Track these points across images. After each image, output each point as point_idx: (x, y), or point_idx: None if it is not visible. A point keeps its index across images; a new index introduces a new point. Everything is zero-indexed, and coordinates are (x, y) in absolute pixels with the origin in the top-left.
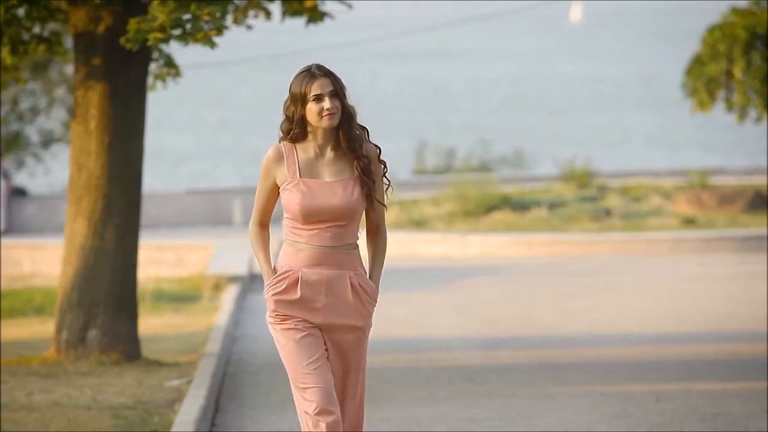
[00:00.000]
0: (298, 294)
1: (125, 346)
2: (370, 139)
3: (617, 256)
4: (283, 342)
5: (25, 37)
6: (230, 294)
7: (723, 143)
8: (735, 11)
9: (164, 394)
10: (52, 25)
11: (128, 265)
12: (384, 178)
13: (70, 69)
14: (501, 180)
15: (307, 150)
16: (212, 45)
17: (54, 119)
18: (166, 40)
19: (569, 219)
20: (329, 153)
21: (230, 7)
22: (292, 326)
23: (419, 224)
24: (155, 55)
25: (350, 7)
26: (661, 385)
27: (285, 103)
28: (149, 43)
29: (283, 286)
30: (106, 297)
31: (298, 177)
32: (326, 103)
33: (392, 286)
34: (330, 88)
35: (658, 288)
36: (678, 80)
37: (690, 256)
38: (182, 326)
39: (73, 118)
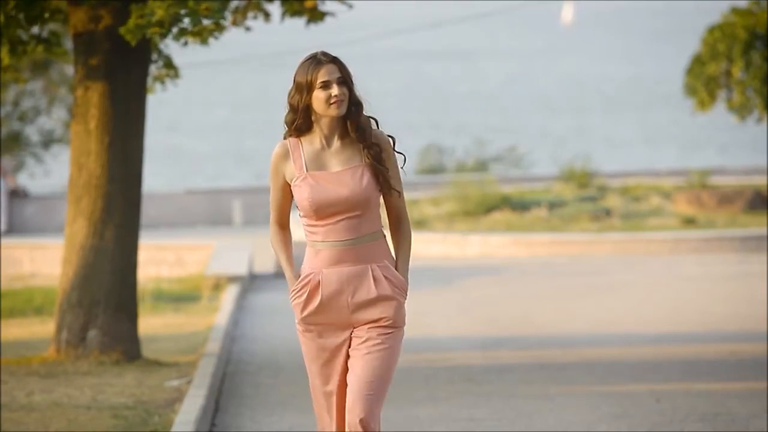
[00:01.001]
0: (319, 300)
1: (125, 346)
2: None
3: (617, 256)
4: (306, 352)
5: (24, 37)
6: (230, 294)
7: (723, 143)
8: (735, 11)
9: (164, 394)
10: (51, 26)
11: (128, 265)
12: (401, 170)
13: (70, 69)
14: (501, 180)
15: (312, 142)
16: (205, 41)
17: (54, 119)
18: (164, 35)
19: (569, 219)
20: (336, 143)
21: (230, 5)
22: (315, 339)
23: (419, 224)
24: (155, 56)
25: (350, 6)
26: (661, 385)
27: (289, 93)
28: (148, 36)
29: (306, 294)
30: (106, 297)
31: (305, 171)
32: (334, 90)
33: None
34: (337, 74)
35: (658, 288)
36: (678, 80)
37: (690, 256)
38: (182, 326)
39: (73, 118)
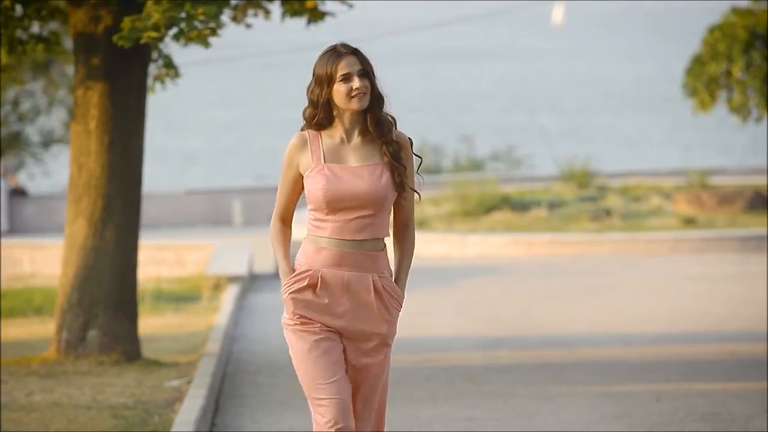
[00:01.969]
0: (317, 296)
1: (125, 346)
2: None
3: (617, 256)
4: (299, 349)
5: (23, 36)
6: (230, 294)
7: (723, 143)
8: (735, 11)
9: (164, 394)
10: (51, 25)
11: (128, 265)
12: (417, 174)
13: (70, 69)
14: (501, 180)
15: (332, 136)
16: (206, 45)
17: (54, 119)
18: (160, 39)
19: (569, 219)
20: (356, 138)
21: (227, 8)
22: (309, 331)
23: (419, 224)
24: (155, 55)
25: (351, 6)
26: (661, 385)
27: (308, 87)
28: (142, 41)
29: (302, 286)
30: (106, 297)
31: (323, 162)
32: (355, 83)
33: None
34: (358, 66)
35: (658, 288)
36: (678, 80)
37: (690, 256)
38: (182, 326)
39: (73, 118)
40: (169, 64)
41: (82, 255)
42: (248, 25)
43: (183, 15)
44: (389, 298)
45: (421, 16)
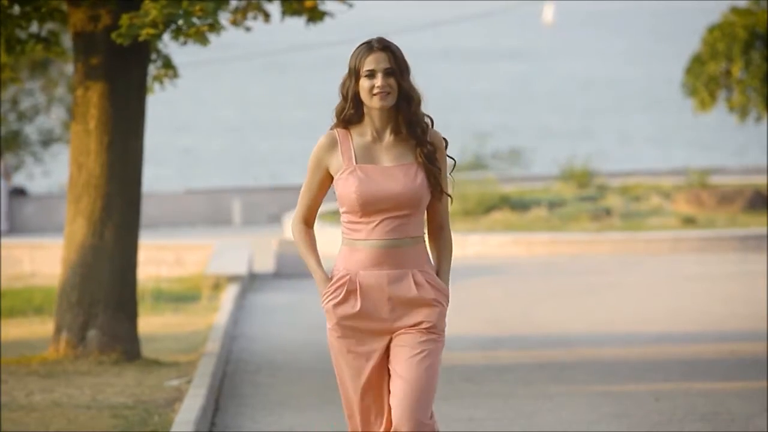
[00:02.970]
0: (358, 304)
1: (125, 345)
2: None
3: (617, 256)
4: (340, 361)
5: (22, 36)
6: (230, 294)
7: (723, 143)
8: (735, 11)
9: (164, 393)
10: (50, 25)
11: (128, 265)
12: (450, 176)
13: (69, 67)
14: (500, 179)
15: (363, 134)
16: (204, 42)
17: (53, 118)
18: (158, 36)
19: (569, 218)
20: (388, 137)
21: (226, 7)
22: (353, 345)
23: None
24: (154, 55)
25: (351, 6)
26: (661, 385)
27: (342, 80)
28: (140, 38)
29: (341, 295)
30: (106, 297)
31: (354, 163)
32: (378, 81)
33: None
34: (385, 65)
35: (657, 288)
36: (678, 80)
37: (689, 255)
38: (182, 326)
39: (73, 117)
40: (168, 64)
41: (82, 254)
42: (248, 29)
43: (181, 12)
44: (432, 290)
45: (420, 16)
